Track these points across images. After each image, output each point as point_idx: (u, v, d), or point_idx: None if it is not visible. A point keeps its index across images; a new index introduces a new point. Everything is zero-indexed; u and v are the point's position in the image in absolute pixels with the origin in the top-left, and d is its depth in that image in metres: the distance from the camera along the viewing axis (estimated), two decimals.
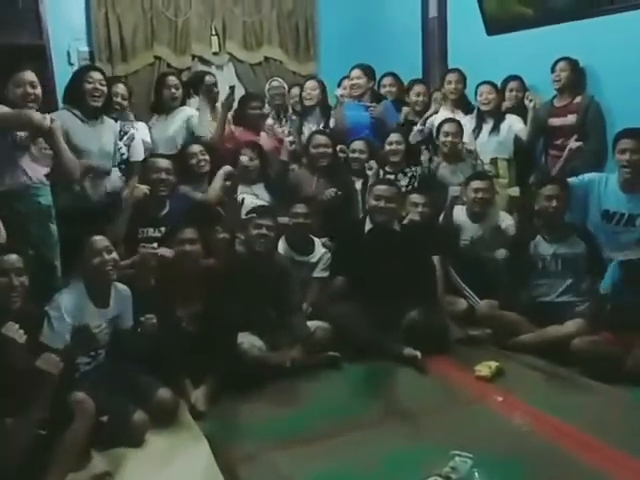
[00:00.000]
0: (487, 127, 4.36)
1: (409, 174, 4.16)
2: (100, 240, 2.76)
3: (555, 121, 4.21)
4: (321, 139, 4.04)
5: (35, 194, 3.05)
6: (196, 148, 3.77)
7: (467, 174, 4.06)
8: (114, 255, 2.78)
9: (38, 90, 3.02)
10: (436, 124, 4.35)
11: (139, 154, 3.89)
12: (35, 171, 3.06)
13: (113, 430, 2.53)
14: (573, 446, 2.48)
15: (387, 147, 4.19)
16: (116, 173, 3.63)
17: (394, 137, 4.19)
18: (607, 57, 4.03)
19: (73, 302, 2.67)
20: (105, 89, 3.41)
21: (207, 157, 3.78)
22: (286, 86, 4.80)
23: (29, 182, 3.02)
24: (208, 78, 4.30)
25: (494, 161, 4.34)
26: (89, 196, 3.38)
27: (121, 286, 2.89)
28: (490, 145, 4.33)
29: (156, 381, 2.78)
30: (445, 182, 4.09)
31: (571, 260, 3.43)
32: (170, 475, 2.40)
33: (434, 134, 4.34)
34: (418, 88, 4.72)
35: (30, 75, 3.00)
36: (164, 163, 3.52)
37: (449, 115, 4.41)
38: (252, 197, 3.84)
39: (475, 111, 4.44)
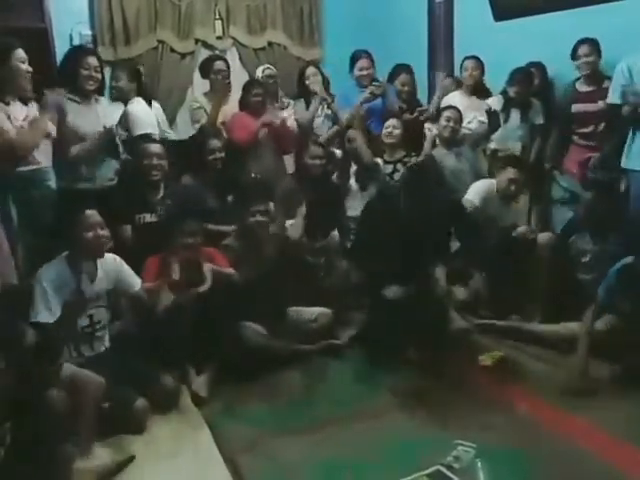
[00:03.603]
0: (516, 113, 4.30)
1: (408, 164, 4.13)
2: (93, 215, 2.74)
3: (581, 107, 4.05)
4: (317, 151, 3.98)
5: (46, 178, 3.11)
6: (215, 144, 3.77)
7: (468, 158, 4.15)
8: (106, 232, 2.76)
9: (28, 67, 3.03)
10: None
11: (140, 127, 3.76)
12: (46, 155, 3.11)
13: (115, 417, 2.54)
14: (576, 436, 2.47)
15: (384, 130, 4.20)
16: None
17: (392, 122, 4.19)
18: (615, 43, 3.93)
19: (55, 276, 2.65)
20: (100, 75, 3.45)
21: (223, 154, 3.80)
22: (276, 73, 4.73)
23: (42, 166, 3.07)
24: (218, 63, 4.33)
25: (525, 148, 4.32)
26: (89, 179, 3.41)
27: (108, 256, 2.86)
28: (522, 131, 4.30)
29: (158, 368, 2.78)
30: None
31: (606, 261, 3.19)
32: (172, 462, 2.40)
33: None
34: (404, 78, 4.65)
35: (22, 52, 3.00)
36: (155, 148, 3.47)
37: (464, 101, 4.42)
38: None
39: (502, 96, 4.35)
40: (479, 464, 2.26)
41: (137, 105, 3.87)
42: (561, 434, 2.49)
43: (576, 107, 4.08)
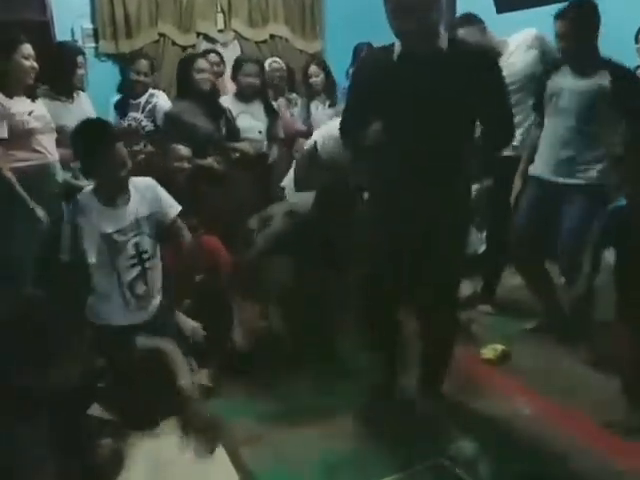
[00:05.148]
0: None
1: None
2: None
3: None
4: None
5: (54, 173, 3.14)
6: (204, 64, 3.82)
7: None
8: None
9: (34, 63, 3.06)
10: None
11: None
12: (53, 149, 3.14)
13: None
14: (577, 431, 2.48)
15: None
16: None
17: None
18: (621, 36, 3.92)
19: (85, 210, 2.57)
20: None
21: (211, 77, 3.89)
22: (285, 67, 4.71)
23: (50, 160, 3.10)
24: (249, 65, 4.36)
25: None
26: None
27: (141, 179, 2.72)
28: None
29: None
30: None
31: None
32: (175, 455, 2.40)
33: None
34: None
35: (29, 48, 3.02)
36: (186, 151, 3.44)
37: None
38: (249, 117, 3.97)
39: None
40: (480, 456, 2.27)
41: (165, 98, 3.99)
42: (560, 428, 2.49)
43: None
